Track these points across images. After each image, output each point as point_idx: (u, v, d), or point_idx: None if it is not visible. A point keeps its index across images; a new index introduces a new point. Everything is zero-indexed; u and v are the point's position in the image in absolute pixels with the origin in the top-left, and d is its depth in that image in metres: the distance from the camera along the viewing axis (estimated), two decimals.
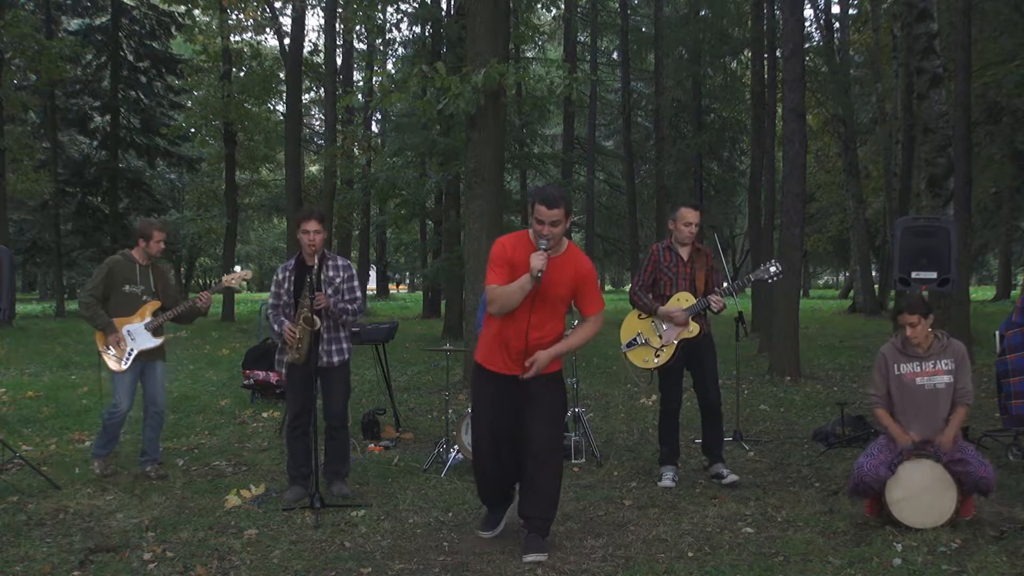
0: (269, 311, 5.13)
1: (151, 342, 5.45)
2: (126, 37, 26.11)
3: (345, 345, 5.17)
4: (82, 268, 30.91)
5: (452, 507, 4.78)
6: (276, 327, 5.03)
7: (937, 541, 4.00)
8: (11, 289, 5.97)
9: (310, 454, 4.88)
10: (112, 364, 5.38)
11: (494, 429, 4.06)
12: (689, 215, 5.32)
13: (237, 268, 5.80)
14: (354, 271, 5.23)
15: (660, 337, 5.28)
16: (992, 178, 20.70)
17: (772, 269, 5.53)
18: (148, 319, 5.45)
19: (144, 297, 5.48)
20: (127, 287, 5.42)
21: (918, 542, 3.99)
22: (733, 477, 5.24)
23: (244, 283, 5.76)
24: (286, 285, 5.06)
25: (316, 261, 5.03)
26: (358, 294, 5.16)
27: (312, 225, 4.95)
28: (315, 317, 4.84)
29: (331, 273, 5.08)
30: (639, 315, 5.41)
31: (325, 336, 5.04)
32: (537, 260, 3.78)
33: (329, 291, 5.00)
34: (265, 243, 48.03)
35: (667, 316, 5.25)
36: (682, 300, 5.29)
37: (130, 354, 5.38)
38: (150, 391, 5.53)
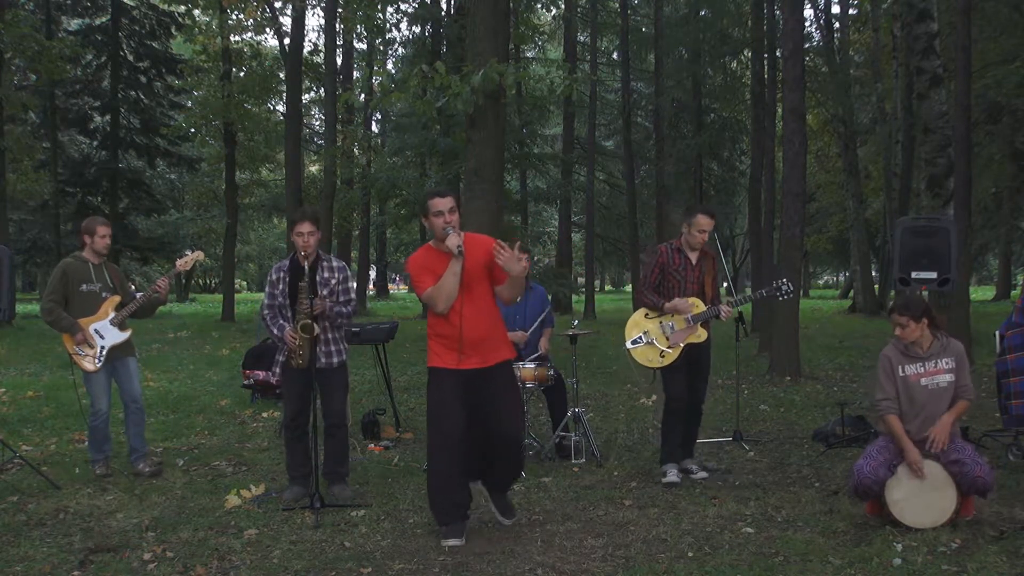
0: (265, 312, 5.12)
1: (119, 337, 5.49)
2: (126, 37, 26.10)
3: (343, 346, 5.17)
4: None
5: None
6: (276, 331, 5.01)
7: (937, 541, 4.00)
8: (11, 289, 5.99)
9: (309, 454, 4.87)
10: (86, 365, 5.40)
11: (455, 432, 4.16)
12: (704, 222, 5.30)
13: (188, 252, 5.83)
14: (348, 272, 5.20)
15: (668, 339, 5.28)
16: (992, 178, 20.71)
17: (784, 287, 5.49)
18: (112, 315, 5.48)
19: (103, 294, 5.50)
20: (84, 286, 5.45)
21: (918, 542, 3.99)
22: (703, 474, 5.38)
23: (199, 263, 5.83)
24: (280, 286, 5.05)
25: (310, 262, 5.01)
26: (352, 296, 5.16)
27: (306, 227, 4.89)
28: (314, 324, 4.84)
29: (326, 275, 5.05)
30: (646, 314, 5.39)
31: (322, 337, 5.03)
32: (454, 238, 4.10)
33: (324, 292, 4.98)
34: (265, 243, 48.02)
35: (674, 309, 5.24)
36: (694, 307, 5.29)
37: (102, 351, 5.41)
38: (126, 388, 5.56)
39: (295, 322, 4.87)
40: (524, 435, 4.51)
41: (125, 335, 5.53)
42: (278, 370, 5.15)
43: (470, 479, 4.33)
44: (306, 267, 4.84)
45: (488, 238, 4.37)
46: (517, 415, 4.34)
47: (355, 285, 5.24)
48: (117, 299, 5.55)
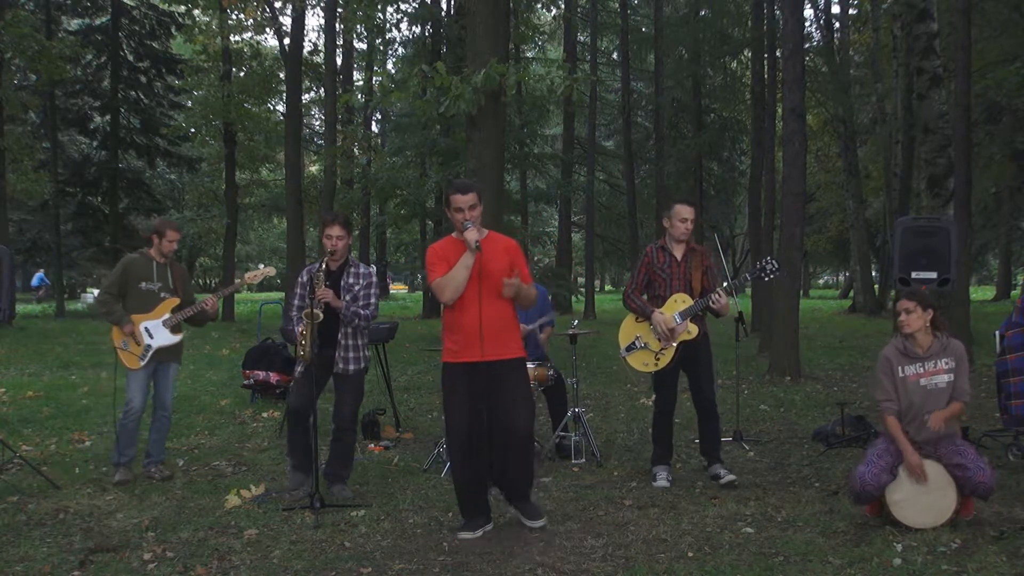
0: (293, 312, 5.15)
1: (170, 339, 5.43)
2: (126, 37, 26.07)
3: (363, 354, 5.16)
4: (82, 268, 30.88)
5: (452, 507, 4.77)
6: (296, 328, 5.03)
7: (937, 541, 4.00)
8: (11, 289, 5.96)
9: (310, 447, 4.87)
10: (129, 362, 5.35)
11: (470, 428, 4.23)
12: (684, 211, 5.24)
13: (261, 265, 5.85)
14: (374, 279, 5.21)
15: (659, 340, 5.23)
16: (992, 178, 20.71)
17: (768, 267, 5.38)
18: (166, 316, 5.42)
19: (162, 294, 5.45)
20: (144, 284, 5.40)
21: (918, 542, 4.00)
22: (731, 477, 5.20)
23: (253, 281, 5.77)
24: (309, 287, 5.05)
25: (337, 266, 5.04)
26: (373, 301, 5.15)
27: (336, 230, 4.98)
28: (318, 312, 4.84)
29: (351, 280, 5.08)
30: (636, 318, 5.33)
31: (343, 343, 5.04)
32: (472, 233, 4.18)
33: (347, 298, 5.01)
34: (265, 243, 47.99)
35: (657, 326, 5.16)
36: (679, 301, 5.20)
37: (147, 350, 5.35)
38: (160, 393, 5.51)
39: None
40: (532, 432, 4.52)
41: (176, 338, 5.46)
42: (300, 368, 5.08)
43: (489, 483, 4.40)
44: (325, 265, 4.91)
45: (512, 241, 4.49)
46: (527, 409, 4.35)
47: (378, 292, 5.21)
48: (175, 301, 5.49)
